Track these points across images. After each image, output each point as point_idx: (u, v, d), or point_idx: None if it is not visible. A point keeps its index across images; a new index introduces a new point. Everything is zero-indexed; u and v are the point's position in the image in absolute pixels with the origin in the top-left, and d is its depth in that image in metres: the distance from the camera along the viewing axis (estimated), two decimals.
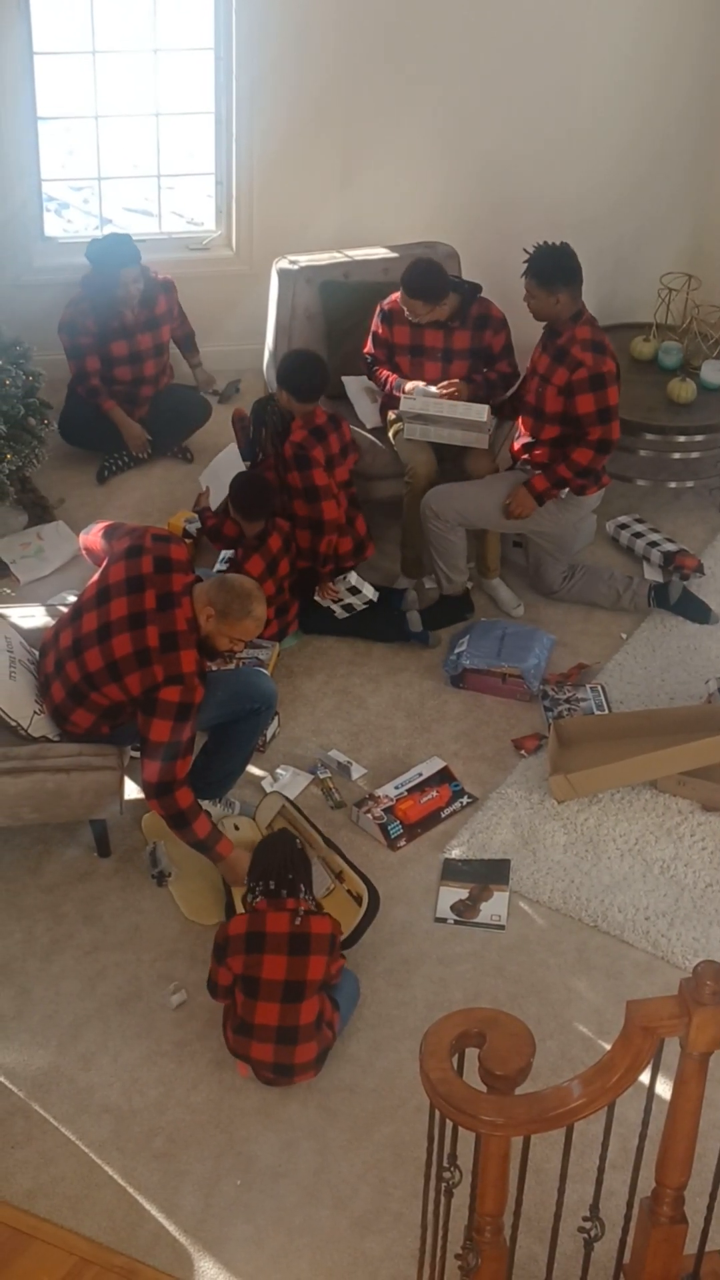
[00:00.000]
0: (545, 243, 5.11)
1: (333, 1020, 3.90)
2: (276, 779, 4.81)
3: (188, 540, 5.49)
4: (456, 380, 5.45)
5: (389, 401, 5.61)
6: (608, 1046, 2.84)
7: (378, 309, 5.59)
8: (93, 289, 5.90)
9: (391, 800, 4.70)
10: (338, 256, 6.05)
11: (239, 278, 6.56)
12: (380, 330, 5.58)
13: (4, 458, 5.28)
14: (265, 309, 6.18)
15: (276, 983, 3.76)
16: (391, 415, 5.62)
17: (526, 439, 5.36)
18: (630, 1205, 3.01)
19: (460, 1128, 2.76)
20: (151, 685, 4.05)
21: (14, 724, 4.25)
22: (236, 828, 4.55)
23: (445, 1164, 2.95)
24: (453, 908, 4.41)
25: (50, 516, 5.86)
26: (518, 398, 5.47)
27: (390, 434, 5.65)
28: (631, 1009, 2.65)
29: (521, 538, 5.65)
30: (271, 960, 3.76)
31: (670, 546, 5.81)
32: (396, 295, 5.47)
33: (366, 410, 5.79)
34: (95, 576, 4.30)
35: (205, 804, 4.40)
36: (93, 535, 4.55)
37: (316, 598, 5.31)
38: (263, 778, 4.83)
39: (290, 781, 4.80)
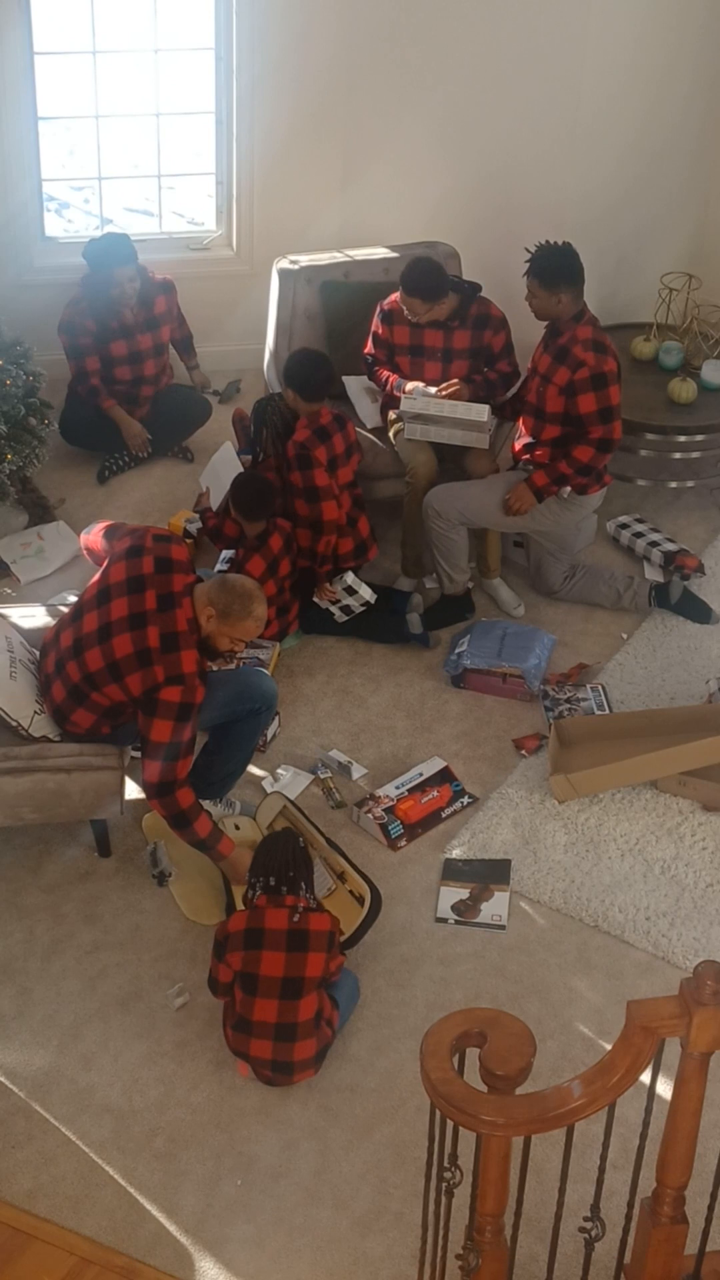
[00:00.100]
0: (547, 242, 5.11)
1: (332, 1018, 3.90)
2: (277, 779, 4.81)
3: (188, 540, 5.49)
4: (457, 381, 5.45)
5: (389, 401, 5.61)
6: (608, 1046, 2.85)
7: (378, 309, 5.60)
8: (91, 289, 5.91)
9: (392, 800, 4.70)
10: (338, 256, 6.05)
11: (239, 278, 6.56)
12: (380, 330, 5.58)
13: (5, 458, 5.28)
14: (266, 309, 6.19)
15: (275, 979, 3.76)
16: (392, 415, 5.62)
17: (527, 439, 5.35)
18: (631, 1205, 3.01)
19: (461, 1128, 2.76)
20: (152, 685, 4.05)
21: (15, 724, 4.25)
22: (237, 827, 4.55)
23: (446, 1164, 2.95)
24: (453, 908, 4.41)
25: (51, 516, 5.86)
26: (518, 398, 5.47)
27: (391, 434, 5.65)
28: (632, 1009, 2.65)
29: (522, 537, 5.65)
30: (270, 957, 3.76)
31: (671, 546, 5.81)
32: (396, 295, 5.47)
33: (367, 410, 5.79)
34: (96, 576, 4.30)
35: (206, 804, 4.40)
36: (93, 535, 4.55)
37: (315, 599, 5.31)
38: (263, 778, 4.83)
39: (291, 781, 4.80)
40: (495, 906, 4.41)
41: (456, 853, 4.60)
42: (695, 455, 5.93)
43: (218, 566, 5.37)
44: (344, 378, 5.86)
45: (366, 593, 5.31)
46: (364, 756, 4.94)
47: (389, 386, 5.57)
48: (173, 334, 6.18)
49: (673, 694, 5.21)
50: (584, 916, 4.39)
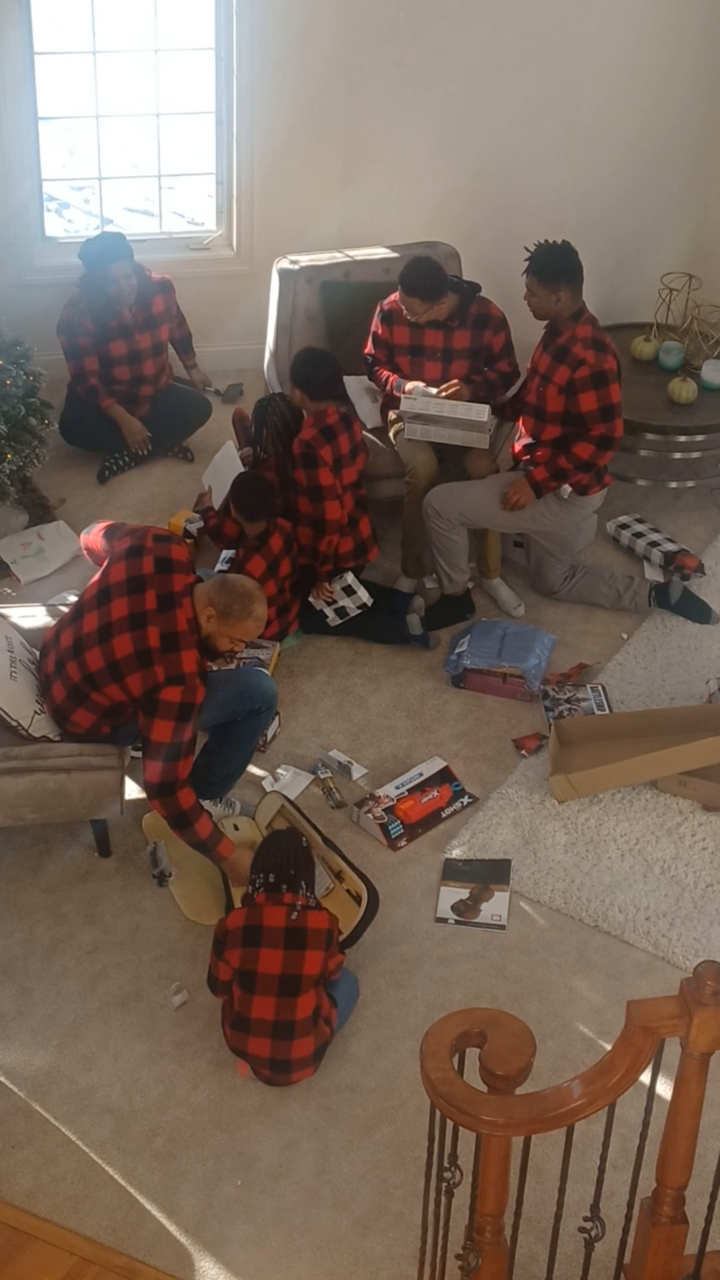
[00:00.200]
0: (546, 241, 5.12)
1: (330, 1016, 3.90)
2: (277, 779, 4.81)
3: (188, 540, 5.49)
4: (457, 381, 5.45)
5: (389, 402, 5.61)
6: (608, 1046, 2.84)
7: (377, 309, 5.60)
8: (89, 289, 5.91)
9: (392, 800, 4.70)
10: (338, 256, 6.05)
11: (239, 278, 6.57)
12: (380, 331, 5.58)
13: (5, 458, 5.28)
14: (266, 309, 6.19)
15: (272, 977, 3.76)
16: (392, 415, 5.62)
17: (527, 440, 5.35)
18: (631, 1205, 3.01)
19: (461, 1128, 2.76)
20: (153, 686, 4.05)
21: (15, 724, 4.25)
22: (236, 828, 4.55)
23: (446, 1164, 2.95)
24: (453, 908, 4.41)
25: (51, 516, 5.86)
26: (518, 398, 5.47)
27: (391, 434, 5.65)
28: (632, 1009, 2.65)
29: (522, 538, 5.65)
30: (268, 954, 3.77)
31: (671, 546, 5.81)
32: (396, 295, 5.47)
33: (367, 410, 5.80)
34: (96, 577, 4.30)
35: (206, 804, 4.40)
36: (93, 535, 4.55)
37: (311, 598, 5.31)
38: (263, 778, 4.83)
39: (291, 781, 4.81)
40: (495, 906, 4.41)
41: (456, 853, 4.60)
42: (695, 455, 5.93)
43: (218, 566, 5.37)
44: (344, 377, 5.86)
45: (364, 595, 5.31)
46: (364, 756, 4.94)
47: (389, 387, 5.57)
48: (172, 333, 6.18)
49: (673, 694, 5.21)
50: (584, 916, 4.39)
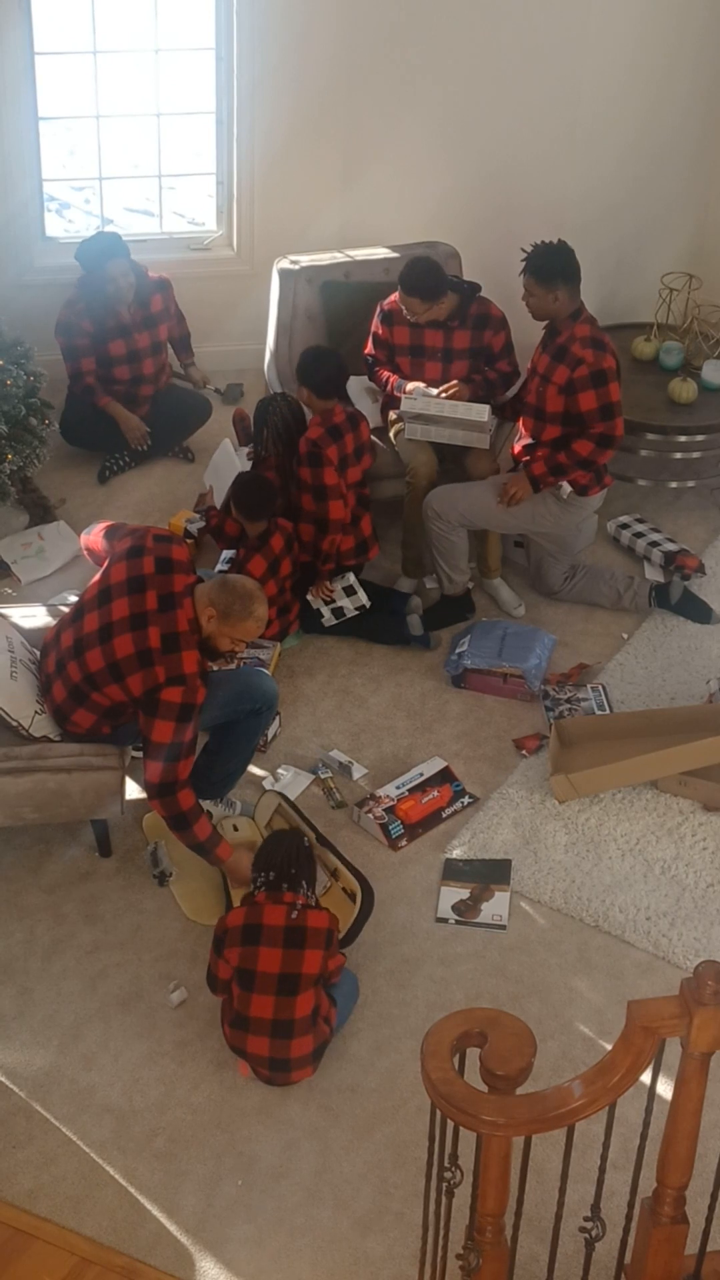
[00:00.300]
0: (543, 241, 5.12)
1: (330, 1015, 3.90)
2: (278, 779, 4.81)
3: (188, 541, 5.49)
4: (456, 382, 5.45)
5: (390, 402, 5.61)
6: (609, 1047, 2.84)
7: (378, 309, 5.60)
8: (87, 290, 5.91)
9: (393, 800, 4.70)
10: (339, 256, 6.06)
11: (240, 278, 6.57)
12: (380, 331, 5.58)
13: (5, 458, 5.28)
14: (266, 309, 6.19)
15: (271, 975, 3.76)
16: (392, 415, 5.62)
17: (527, 440, 5.35)
18: (631, 1205, 3.01)
19: (461, 1128, 2.76)
20: (153, 686, 4.05)
21: (15, 724, 4.25)
22: (236, 828, 4.55)
23: (446, 1164, 2.95)
24: (454, 908, 4.41)
25: (51, 516, 5.86)
26: (518, 398, 5.47)
27: (391, 434, 5.65)
28: (633, 1009, 2.65)
29: (523, 538, 5.65)
30: (267, 953, 3.77)
31: (671, 546, 5.81)
32: (396, 295, 5.47)
33: (367, 410, 5.79)
34: (97, 577, 4.30)
35: (206, 804, 4.41)
36: (94, 535, 4.55)
37: (309, 596, 5.31)
38: (264, 778, 4.83)
39: (291, 781, 4.81)
40: (496, 906, 4.41)
41: (457, 853, 4.60)
42: (696, 455, 5.93)
43: (219, 566, 5.37)
44: None
45: (363, 597, 5.31)
46: (364, 756, 4.94)
47: (390, 387, 5.57)
48: (171, 331, 6.18)
49: (673, 694, 5.21)
50: (584, 916, 4.39)
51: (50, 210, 6.81)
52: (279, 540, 5.13)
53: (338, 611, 5.33)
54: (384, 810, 4.67)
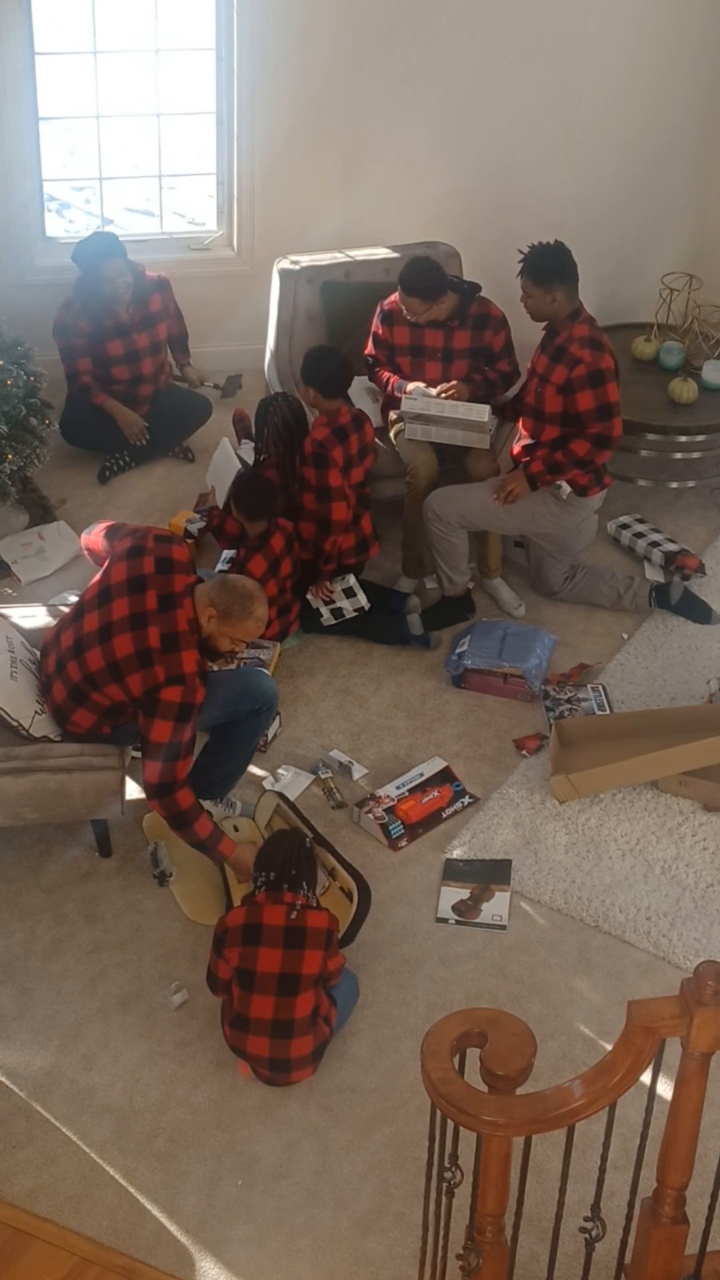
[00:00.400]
0: (540, 242, 5.12)
1: (330, 1016, 3.90)
2: (278, 779, 4.81)
3: (188, 541, 5.49)
4: (455, 381, 5.45)
5: (390, 402, 5.61)
6: (609, 1047, 2.85)
7: (378, 309, 5.60)
8: (85, 291, 5.91)
9: (393, 800, 4.70)
10: (339, 256, 6.06)
11: (240, 278, 6.57)
12: (380, 331, 5.58)
13: (5, 458, 5.28)
14: (266, 309, 6.19)
15: (271, 976, 3.76)
16: (392, 415, 5.62)
17: (527, 441, 5.35)
18: (631, 1205, 3.01)
19: (461, 1128, 2.76)
20: (153, 685, 4.05)
21: (15, 724, 4.25)
22: (236, 829, 4.55)
23: (446, 1164, 2.95)
24: (454, 908, 4.41)
25: (52, 516, 5.86)
26: (518, 399, 5.47)
27: (391, 434, 5.65)
28: (633, 1009, 2.65)
29: (523, 538, 5.65)
30: (267, 953, 3.77)
31: (671, 546, 5.81)
32: (396, 295, 5.47)
33: (367, 410, 5.79)
34: (97, 577, 4.30)
35: (206, 804, 4.40)
36: (94, 535, 4.55)
37: (309, 596, 5.31)
38: (264, 778, 4.83)
39: (292, 781, 4.81)
40: (496, 907, 4.41)
41: (457, 853, 4.60)
42: (696, 455, 5.93)
43: (219, 566, 5.37)
44: None
45: (363, 600, 5.31)
46: (365, 756, 4.94)
47: (390, 388, 5.57)
48: (170, 330, 6.18)
49: (673, 694, 5.21)
50: (585, 917, 4.39)
51: (50, 210, 6.82)
52: (279, 540, 5.13)
53: (337, 612, 5.33)
54: (384, 810, 4.67)
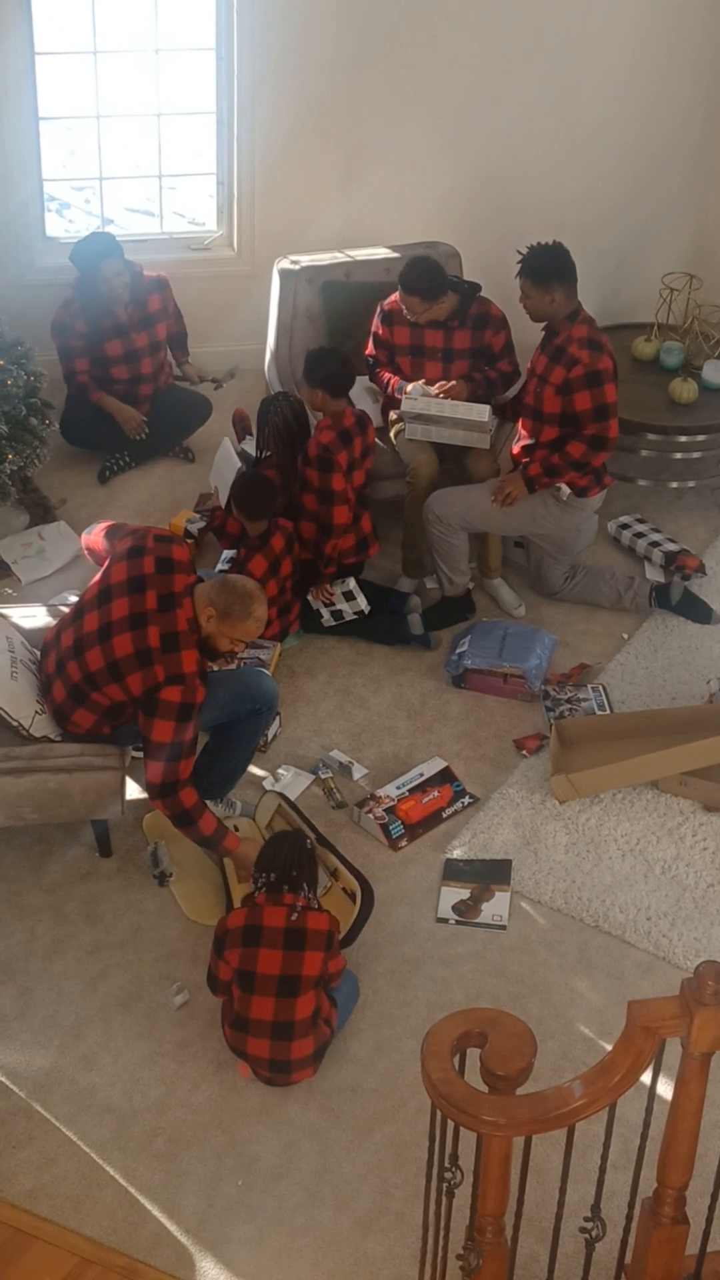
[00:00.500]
0: (538, 243, 5.12)
1: (330, 1017, 3.90)
2: (278, 779, 4.81)
3: (188, 541, 5.49)
4: (455, 380, 5.45)
5: (391, 402, 5.61)
6: (609, 1047, 2.85)
7: (378, 309, 5.59)
8: (83, 291, 5.92)
9: (393, 800, 4.70)
10: (339, 256, 6.05)
11: (240, 278, 6.57)
12: (380, 331, 5.58)
13: (6, 458, 5.28)
14: (267, 309, 6.19)
15: (271, 977, 3.76)
16: (393, 415, 5.62)
17: (526, 441, 5.35)
18: (632, 1206, 3.01)
19: (462, 1128, 2.76)
20: (153, 685, 4.06)
21: (15, 724, 4.25)
22: (236, 829, 4.55)
23: (447, 1164, 2.95)
24: (454, 908, 4.41)
25: (52, 516, 5.87)
26: (517, 399, 5.47)
27: (392, 434, 5.65)
28: (633, 1009, 2.65)
29: (523, 538, 5.65)
30: (267, 954, 3.77)
31: (672, 546, 5.81)
32: (396, 295, 5.47)
33: (368, 410, 5.79)
34: (97, 577, 4.30)
35: (207, 804, 4.40)
36: (94, 535, 4.56)
37: (309, 598, 5.31)
38: (264, 778, 4.83)
39: (292, 781, 4.81)
40: (496, 907, 4.41)
41: (457, 853, 4.60)
42: (696, 455, 5.93)
43: (219, 566, 5.37)
44: None
45: (363, 603, 5.31)
46: (365, 757, 4.94)
47: (390, 388, 5.57)
48: (169, 330, 6.18)
49: (673, 694, 5.21)
50: (585, 917, 4.39)
51: (51, 210, 6.81)
52: (280, 540, 5.13)
53: (337, 614, 5.33)
54: (384, 810, 4.67)
